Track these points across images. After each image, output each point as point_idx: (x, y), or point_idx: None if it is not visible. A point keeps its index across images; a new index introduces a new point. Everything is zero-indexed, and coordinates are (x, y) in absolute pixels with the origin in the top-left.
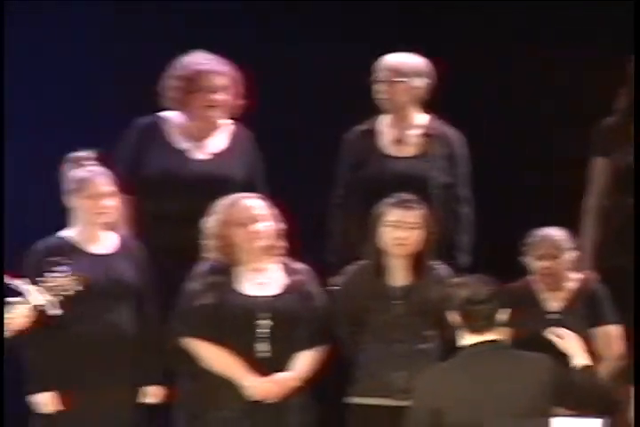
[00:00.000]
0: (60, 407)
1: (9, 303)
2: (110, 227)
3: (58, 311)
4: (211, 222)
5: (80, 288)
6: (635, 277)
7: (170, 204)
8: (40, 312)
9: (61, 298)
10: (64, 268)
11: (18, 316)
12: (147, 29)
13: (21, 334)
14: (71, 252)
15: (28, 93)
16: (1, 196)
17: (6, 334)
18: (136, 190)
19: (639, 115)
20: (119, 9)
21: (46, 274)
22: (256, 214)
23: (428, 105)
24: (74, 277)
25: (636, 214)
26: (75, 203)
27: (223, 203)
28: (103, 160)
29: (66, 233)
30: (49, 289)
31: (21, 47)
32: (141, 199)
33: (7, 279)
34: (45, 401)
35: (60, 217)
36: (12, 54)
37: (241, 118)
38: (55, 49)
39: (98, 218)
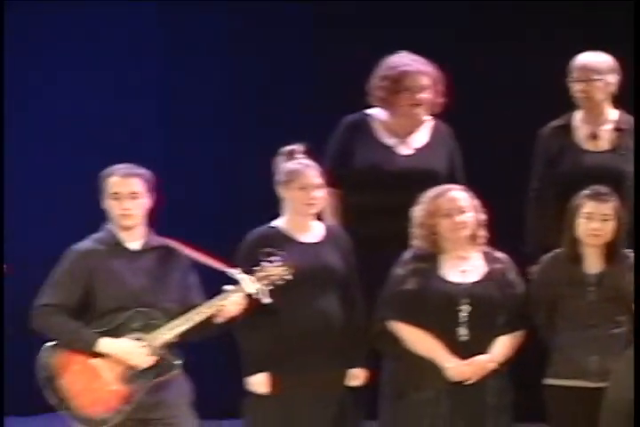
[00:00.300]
0: (272, 389)
1: (225, 291)
2: (318, 217)
3: (268, 300)
4: (418, 212)
5: (290, 278)
6: (635, 277)
7: (376, 196)
8: (252, 300)
9: (272, 287)
10: (276, 258)
11: (231, 303)
12: (345, 31)
13: (234, 320)
14: (282, 240)
15: (255, 92)
16: (1, 195)
17: (220, 319)
18: (344, 183)
19: (639, 114)
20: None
21: (261, 263)
22: (461, 206)
23: (617, 100)
24: (285, 267)
25: (636, 214)
26: (286, 194)
27: (430, 194)
28: (312, 154)
29: (277, 223)
30: (261, 278)
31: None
32: (348, 192)
33: (224, 268)
34: (259, 382)
35: (273, 207)
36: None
37: (441, 115)
38: (274, 51)
39: (307, 208)
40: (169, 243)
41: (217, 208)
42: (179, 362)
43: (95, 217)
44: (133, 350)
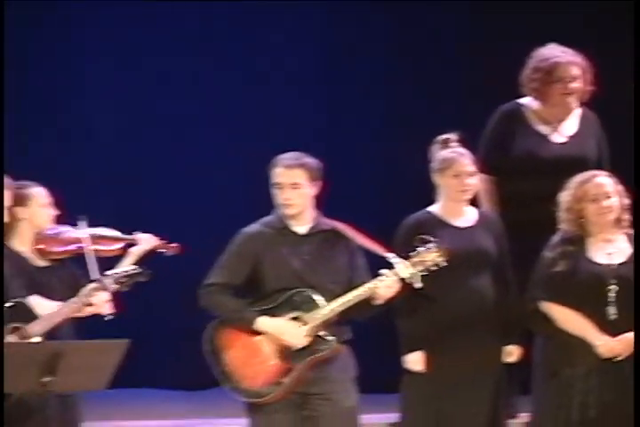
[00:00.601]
0: (427, 367)
1: (380, 274)
2: (471, 202)
3: (419, 285)
4: (565, 198)
5: (445, 264)
6: (635, 277)
7: (531, 183)
8: (406, 284)
9: (426, 273)
10: (431, 244)
11: (384, 286)
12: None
13: (391, 302)
14: (437, 225)
15: (412, 85)
16: (1, 194)
17: (378, 301)
18: (499, 170)
19: (639, 114)
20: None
21: (417, 249)
22: (606, 191)
23: None
24: (440, 253)
25: (636, 213)
26: (441, 180)
27: (577, 180)
28: (464, 142)
29: (433, 208)
30: (416, 264)
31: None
32: (504, 178)
33: (382, 252)
34: (414, 361)
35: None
36: None
37: (588, 103)
38: (431, 47)
39: (461, 195)
40: (336, 226)
41: (375, 194)
42: (334, 340)
43: (268, 201)
44: (288, 329)
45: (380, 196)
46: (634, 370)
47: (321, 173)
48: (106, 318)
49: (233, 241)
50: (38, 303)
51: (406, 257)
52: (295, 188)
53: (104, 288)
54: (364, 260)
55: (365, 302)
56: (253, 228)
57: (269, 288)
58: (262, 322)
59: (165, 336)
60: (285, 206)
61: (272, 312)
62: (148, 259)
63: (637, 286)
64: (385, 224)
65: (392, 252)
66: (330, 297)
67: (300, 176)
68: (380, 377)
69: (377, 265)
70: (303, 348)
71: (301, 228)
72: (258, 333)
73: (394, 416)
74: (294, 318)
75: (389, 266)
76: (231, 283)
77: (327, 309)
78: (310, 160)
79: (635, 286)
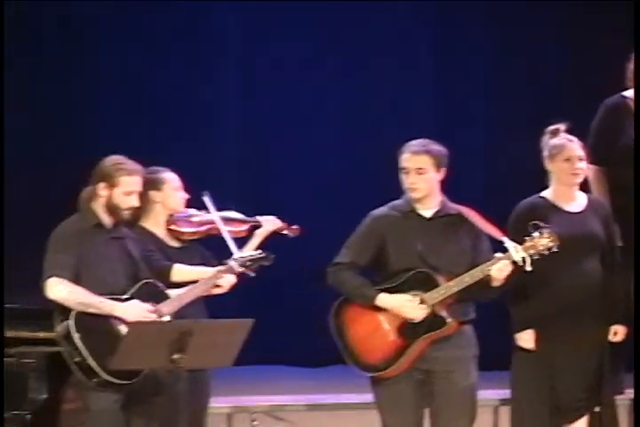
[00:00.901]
0: (538, 345)
1: (494, 257)
2: (581, 188)
3: (529, 268)
4: None
5: (556, 250)
6: (635, 275)
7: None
8: (518, 266)
9: (538, 257)
10: (545, 229)
11: (497, 269)
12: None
13: (506, 283)
14: (549, 210)
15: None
16: (1, 194)
17: (496, 283)
18: (607, 160)
19: (639, 114)
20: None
21: (531, 233)
22: None
23: None
24: (552, 239)
25: (637, 212)
26: (552, 166)
27: None
28: (573, 132)
29: (545, 193)
30: (528, 248)
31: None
32: (612, 168)
33: (499, 236)
34: (525, 339)
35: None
36: None
37: None
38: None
39: (573, 178)
40: (461, 210)
41: (484, 182)
42: (450, 319)
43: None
44: (407, 303)
45: (487, 181)
46: (634, 369)
47: (447, 159)
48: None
49: (362, 223)
50: (178, 270)
51: (520, 241)
52: (420, 173)
53: (231, 271)
54: (489, 244)
55: (485, 284)
56: (381, 210)
57: (393, 269)
58: (382, 298)
59: (291, 315)
60: (411, 190)
61: (392, 291)
62: (270, 241)
63: (637, 285)
64: (493, 210)
65: (505, 235)
66: (448, 278)
67: (425, 162)
68: (491, 355)
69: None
70: (421, 325)
71: (427, 211)
72: (379, 310)
73: (505, 393)
74: (413, 297)
75: (504, 249)
76: (356, 262)
77: (444, 288)
78: (437, 147)
79: (634, 284)
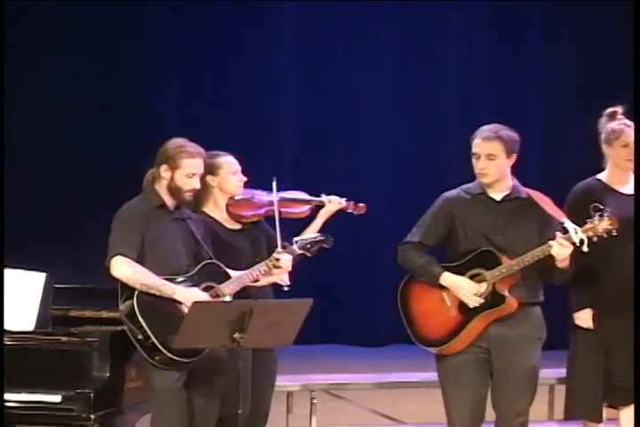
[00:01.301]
0: (594, 324)
1: (554, 238)
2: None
3: (586, 249)
4: None
5: (615, 233)
6: (635, 275)
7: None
8: (576, 247)
9: (596, 239)
10: (605, 213)
11: (555, 250)
12: None
13: (570, 265)
14: (605, 191)
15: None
16: (1, 194)
17: (560, 264)
18: None
19: (639, 114)
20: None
21: (592, 216)
22: None
23: None
24: (612, 222)
25: (636, 214)
26: (609, 150)
27: None
28: (630, 116)
29: (601, 175)
30: (587, 230)
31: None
32: None
33: (561, 218)
34: (583, 318)
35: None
36: None
37: None
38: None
39: (629, 163)
40: (530, 194)
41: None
42: (509, 297)
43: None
44: (466, 288)
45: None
46: (634, 369)
47: (518, 145)
48: (285, 289)
49: (434, 204)
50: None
51: (579, 223)
52: (491, 159)
53: (291, 253)
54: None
55: (551, 265)
56: (453, 192)
57: (461, 250)
58: (445, 278)
59: (352, 296)
60: (481, 175)
61: (457, 269)
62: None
63: (637, 285)
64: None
65: (565, 215)
66: (513, 257)
67: (495, 148)
68: (548, 335)
69: None
70: (480, 303)
71: (497, 195)
72: (442, 287)
73: (561, 372)
74: (476, 275)
75: (564, 230)
76: (425, 242)
77: (505, 266)
78: (508, 133)
79: (634, 284)
